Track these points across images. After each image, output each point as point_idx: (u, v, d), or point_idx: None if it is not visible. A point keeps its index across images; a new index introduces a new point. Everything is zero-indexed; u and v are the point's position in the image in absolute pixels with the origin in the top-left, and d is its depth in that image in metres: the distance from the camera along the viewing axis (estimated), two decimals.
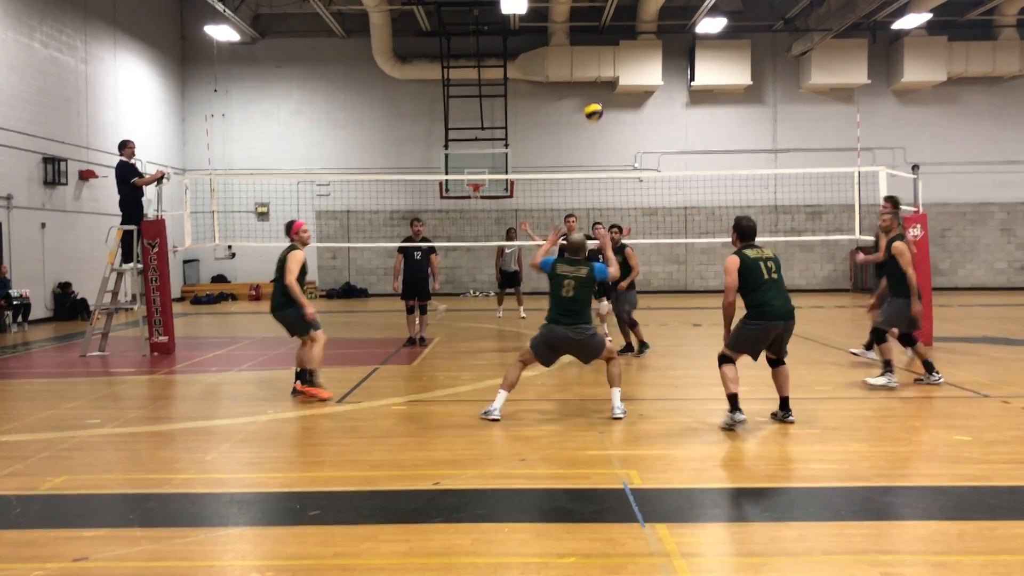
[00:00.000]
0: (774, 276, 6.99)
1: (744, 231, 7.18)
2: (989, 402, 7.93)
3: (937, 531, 4.51)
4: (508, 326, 15.81)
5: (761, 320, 6.92)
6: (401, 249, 12.85)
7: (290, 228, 8.77)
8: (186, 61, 26.47)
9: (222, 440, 6.80)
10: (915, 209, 12.50)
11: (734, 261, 6.96)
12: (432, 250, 12.95)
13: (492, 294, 21.56)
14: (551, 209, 22.68)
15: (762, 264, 6.96)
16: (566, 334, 7.22)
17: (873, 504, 5.02)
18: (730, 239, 7.29)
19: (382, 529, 4.57)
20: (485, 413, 7.29)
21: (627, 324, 11.45)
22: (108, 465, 6.09)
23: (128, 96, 22.76)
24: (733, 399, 6.90)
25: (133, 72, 23.12)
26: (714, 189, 24.91)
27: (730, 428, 6.83)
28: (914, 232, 12.15)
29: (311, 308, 8.38)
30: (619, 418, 7.22)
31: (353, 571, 4.03)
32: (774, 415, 7.22)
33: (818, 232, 25.45)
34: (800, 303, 16.26)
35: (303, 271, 8.48)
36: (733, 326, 7.05)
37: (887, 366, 8.75)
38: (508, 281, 17.03)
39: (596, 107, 12.34)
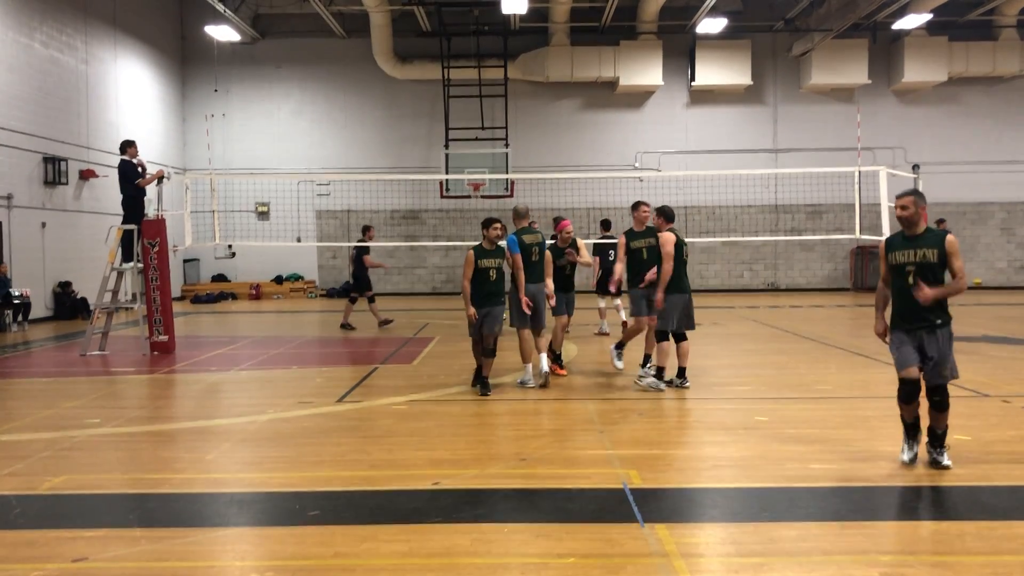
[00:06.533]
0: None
1: (663, 212, 9.02)
2: (989, 402, 7.92)
3: (937, 531, 4.51)
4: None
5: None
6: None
7: None
8: (186, 61, 26.46)
9: (222, 440, 6.80)
10: None
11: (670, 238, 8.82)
12: None
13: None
14: (552, 208, 22.64)
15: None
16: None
17: (873, 504, 5.02)
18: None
19: (382, 529, 4.57)
20: (521, 383, 8.93)
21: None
22: (108, 465, 6.09)
23: (128, 96, 22.76)
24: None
25: (133, 72, 23.11)
26: (714, 189, 24.91)
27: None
28: None
29: None
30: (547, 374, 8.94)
31: (353, 571, 4.03)
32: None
33: (818, 232, 25.45)
34: (800, 302, 16.10)
35: None
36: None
37: None
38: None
39: None
